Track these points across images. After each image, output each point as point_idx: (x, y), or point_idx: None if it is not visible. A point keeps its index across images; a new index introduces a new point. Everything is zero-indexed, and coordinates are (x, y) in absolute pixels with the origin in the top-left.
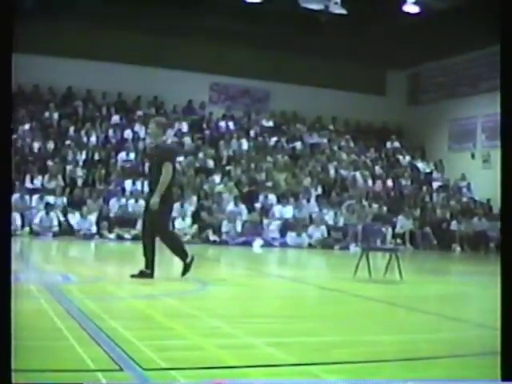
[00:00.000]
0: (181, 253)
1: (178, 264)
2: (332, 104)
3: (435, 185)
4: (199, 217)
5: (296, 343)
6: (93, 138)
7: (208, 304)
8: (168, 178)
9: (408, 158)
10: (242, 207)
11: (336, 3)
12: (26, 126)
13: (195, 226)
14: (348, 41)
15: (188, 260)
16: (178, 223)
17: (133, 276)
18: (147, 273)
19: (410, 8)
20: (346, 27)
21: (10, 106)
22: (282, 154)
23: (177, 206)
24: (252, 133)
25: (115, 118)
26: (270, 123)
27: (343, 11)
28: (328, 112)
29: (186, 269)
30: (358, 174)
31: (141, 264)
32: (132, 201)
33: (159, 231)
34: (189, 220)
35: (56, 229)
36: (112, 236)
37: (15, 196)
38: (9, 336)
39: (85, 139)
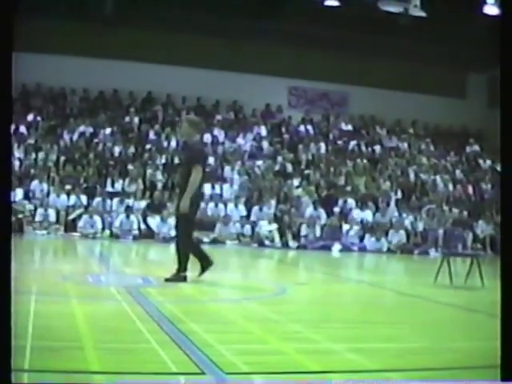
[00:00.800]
0: (202, 256)
1: (257, 268)
2: (411, 107)
3: None
4: (279, 221)
5: (377, 349)
6: (173, 142)
7: (287, 308)
8: (197, 180)
9: (489, 161)
10: (321, 211)
11: (415, 6)
12: (107, 131)
13: (274, 230)
14: (428, 43)
15: (207, 263)
16: (259, 227)
17: (167, 280)
18: (181, 276)
19: (490, 9)
20: (426, 30)
21: (10, 106)
22: (361, 157)
23: (255, 209)
24: (331, 136)
25: None
26: (349, 127)
27: (422, 14)
28: (407, 115)
29: (204, 270)
30: (438, 178)
31: (218, 267)
32: (211, 204)
33: (183, 235)
34: (274, 224)
35: (136, 232)
36: None
37: (96, 200)
38: (8, 336)
39: (165, 143)
